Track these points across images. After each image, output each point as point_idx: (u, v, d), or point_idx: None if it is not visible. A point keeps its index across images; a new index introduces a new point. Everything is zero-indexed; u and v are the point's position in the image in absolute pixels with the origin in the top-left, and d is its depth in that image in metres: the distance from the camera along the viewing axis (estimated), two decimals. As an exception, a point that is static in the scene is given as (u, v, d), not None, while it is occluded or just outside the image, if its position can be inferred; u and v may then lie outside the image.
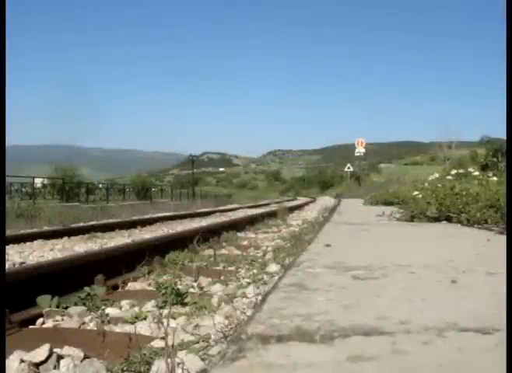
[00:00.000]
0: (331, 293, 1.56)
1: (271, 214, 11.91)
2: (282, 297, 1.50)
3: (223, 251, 5.46)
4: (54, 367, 1.95)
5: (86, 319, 2.59)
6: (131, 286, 3.57)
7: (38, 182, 26.25)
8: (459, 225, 4.55)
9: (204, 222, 10.89)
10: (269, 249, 5.31)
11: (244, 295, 3.03)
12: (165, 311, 2.55)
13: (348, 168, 38.02)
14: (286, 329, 1.14)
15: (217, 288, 3.34)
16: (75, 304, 2.88)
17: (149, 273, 3.90)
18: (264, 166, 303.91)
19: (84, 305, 2.87)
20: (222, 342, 1.97)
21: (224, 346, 1.77)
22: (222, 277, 3.69)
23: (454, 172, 6.74)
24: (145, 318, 2.58)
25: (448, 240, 3.41)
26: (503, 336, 1.08)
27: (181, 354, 1.85)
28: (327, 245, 2.87)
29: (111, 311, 2.76)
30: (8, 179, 21.76)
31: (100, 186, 34.61)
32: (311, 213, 14.65)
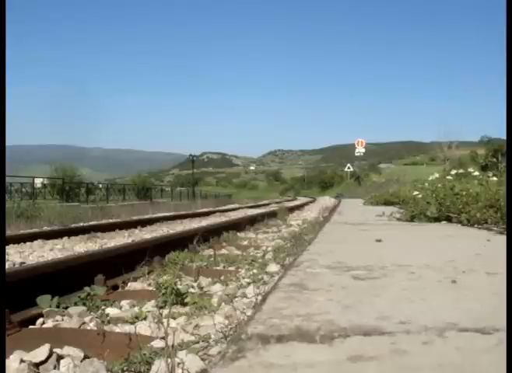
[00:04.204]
0: (331, 293, 1.56)
1: (271, 214, 11.91)
2: (282, 297, 1.50)
3: (223, 251, 5.46)
4: (54, 367, 1.95)
5: (86, 319, 2.60)
6: (131, 286, 3.57)
7: (38, 182, 26.29)
8: (459, 225, 4.55)
9: (204, 222, 10.89)
10: (269, 249, 5.31)
11: (244, 295, 3.03)
12: (165, 311, 2.55)
13: (349, 168, 38.05)
14: (286, 329, 1.14)
15: (217, 288, 3.34)
16: (75, 304, 2.88)
17: (149, 273, 3.90)
18: (264, 166, 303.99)
19: (84, 305, 2.87)
20: (222, 342, 1.97)
21: (224, 346, 1.77)
22: (222, 277, 3.69)
23: (454, 172, 6.73)
24: (145, 318, 2.59)
25: (448, 240, 3.41)
26: (503, 336, 1.08)
27: (181, 354, 1.85)
28: (327, 245, 2.87)
29: (111, 311, 2.76)
30: (8, 179, 21.78)
31: (100, 186, 34.63)
32: (311, 213, 14.65)
